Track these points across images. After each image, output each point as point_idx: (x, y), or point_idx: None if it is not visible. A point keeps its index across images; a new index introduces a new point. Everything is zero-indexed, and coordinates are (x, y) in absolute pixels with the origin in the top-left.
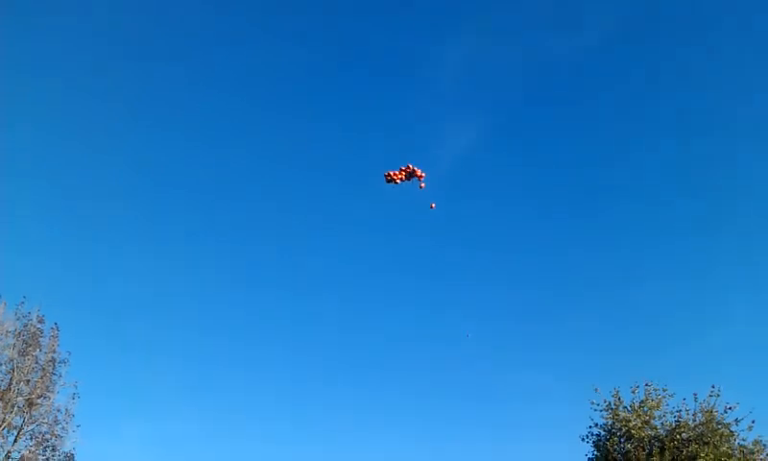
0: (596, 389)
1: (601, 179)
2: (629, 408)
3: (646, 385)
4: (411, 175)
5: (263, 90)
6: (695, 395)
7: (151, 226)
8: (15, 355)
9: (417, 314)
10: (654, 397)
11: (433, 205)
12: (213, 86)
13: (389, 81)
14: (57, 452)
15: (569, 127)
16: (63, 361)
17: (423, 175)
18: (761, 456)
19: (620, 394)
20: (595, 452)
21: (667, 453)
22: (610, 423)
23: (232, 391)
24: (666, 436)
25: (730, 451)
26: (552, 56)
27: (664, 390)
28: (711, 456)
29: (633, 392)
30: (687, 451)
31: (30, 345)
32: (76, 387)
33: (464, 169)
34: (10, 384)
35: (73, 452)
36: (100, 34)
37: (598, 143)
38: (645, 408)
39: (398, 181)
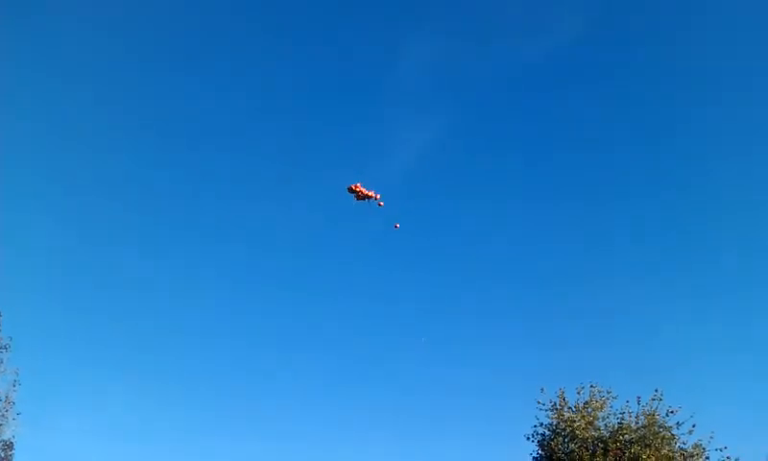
0: (542, 389)
1: (564, 178)
2: (573, 409)
3: (591, 386)
4: (366, 197)
5: (218, 83)
6: (638, 398)
7: (102, 209)
8: None
9: (365, 307)
10: (598, 398)
11: (397, 225)
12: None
13: (352, 77)
14: None
15: (533, 129)
16: (5, 347)
17: (378, 196)
18: (700, 460)
19: (565, 394)
20: (540, 452)
21: (611, 455)
22: (555, 422)
23: (182, 379)
24: (609, 437)
25: (671, 454)
26: (519, 57)
27: (608, 392)
28: (653, 458)
29: (578, 393)
30: (630, 453)
31: None
32: (17, 374)
33: (422, 167)
34: None
35: (12, 441)
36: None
37: (565, 144)
38: (589, 409)
39: (360, 194)
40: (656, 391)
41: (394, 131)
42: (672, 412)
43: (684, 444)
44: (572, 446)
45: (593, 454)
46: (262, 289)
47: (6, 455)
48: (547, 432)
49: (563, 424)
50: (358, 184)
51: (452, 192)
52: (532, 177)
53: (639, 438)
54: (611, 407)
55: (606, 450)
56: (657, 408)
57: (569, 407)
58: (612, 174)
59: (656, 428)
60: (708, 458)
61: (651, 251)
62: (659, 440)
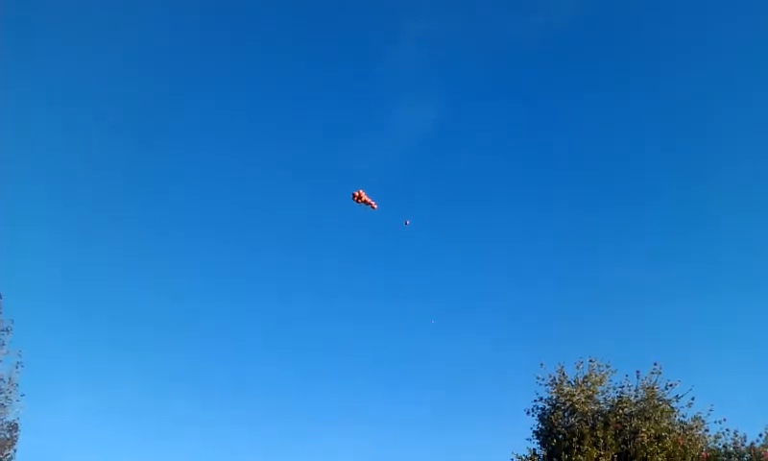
0: (541, 364)
1: (565, 162)
2: (573, 383)
3: (590, 361)
4: (366, 203)
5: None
6: (637, 372)
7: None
8: None
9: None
10: (597, 372)
11: (407, 221)
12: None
13: (343, 61)
14: (0, 422)
15: (534, 112)
16: (6, 329)
17: (376, 206)
18: (699, 432)
19: (564, 369)
20: (540, 426)
21: (611, 428)
22: (554, 397)
23: (183, 357)
24: (609, 411)
25: (670, 427)
26: (514, 35)
27: (607, 366)
28: (653, 431)
29: (577, 367)
30: (630, 426)
31: None
32: (20, 355)
33: (418, 154)
34: None
35: (17, 422)
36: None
37: (564, 129)
38: (589, 383)
39: (363, 201)
40: (654, 365)
41: (388, 117)
42: (671, 385)
43: (683, 416)
44: (572, 420)
45: (593, 428)
46: (260, 279)
47: (11, 436)
48: (547, 407)
49: (562, 399)
50: (362, 192)
51: (449, 180)
52: (530, 169)
53: (639, 411)
54: (610, 381)
55: (606, 424)
56: (656, 381)
57: (569, 382)
58: (611, 153)
59: (655, 401)
60: (707, 430)
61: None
62: (658, 413)
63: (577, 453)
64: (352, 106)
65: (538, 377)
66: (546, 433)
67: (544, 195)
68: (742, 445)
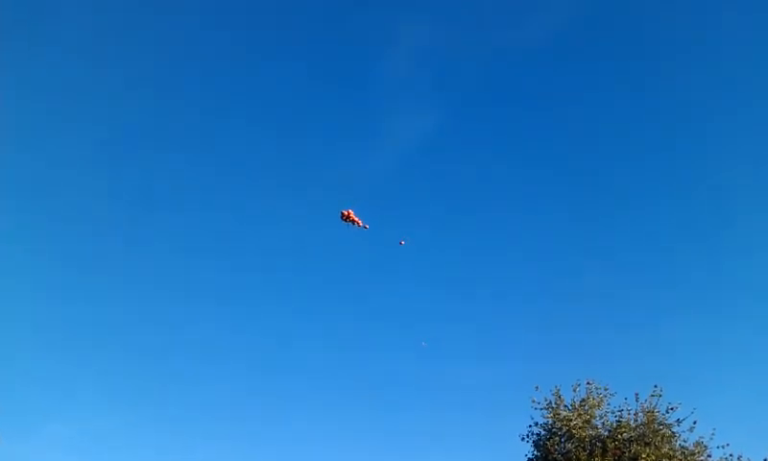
0: (537, 387)
1: (569, 167)
2: (570, 407)
3: (587, 384)
4: (354, 223)
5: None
6: (636, 394)
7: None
8: None
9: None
10: (595, 395)
11: (402, 242)
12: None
13: (337, 68)
14: None
15: (535, 118)
16: None
17: (367, 226)
18: (701, 457)
19: (561, 392)
20: (535, 452)
21: (609, 454)
22: (550, 422)
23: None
24: (608, 436)
25: (671, 453)
26: (513, 39)
27: (605, 388)
28: (653, 457)
29: (574, 390)
30: (629, 452)
31: None
32: None
33: (415, 163)
34: None
35: None
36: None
37: (564, 136)
38: (586, 407)
39: (352, 221)
40: (655, 387)
41: (384, 124)
42: (672, 409)
43: (684, 441)
44: (569, 445)
45: (591, 454)
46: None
47: None
48: (543, 432)
49: (559, 424)
50: (350, 211)
51: (447, 189)
52: (531, 171)
53: (639, 436)
54: (608, 404)
55: (604, 450)
56: (656, 405)
57: (565, 406)
58: (613, 159)
59: (655, 426)
60: (710, 456)
61: (654, 239)
62: (659, 438)
63: None
64: (346, 114)
65: (533, 401)
66: (542, 460)
67: (543, 205)
68: None
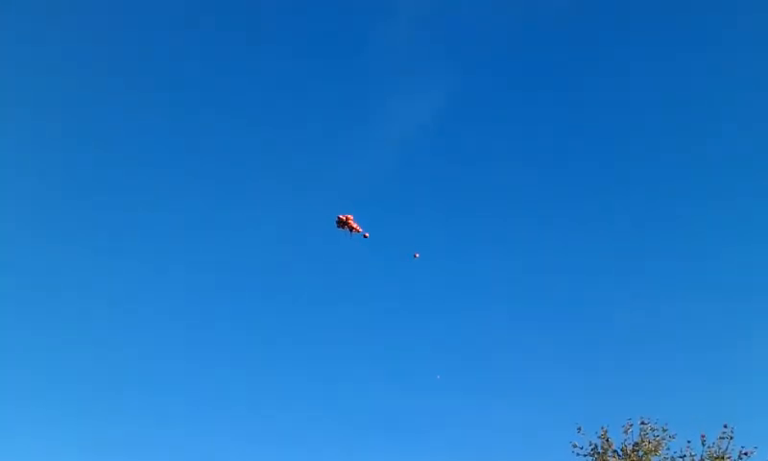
0: (579, 428)
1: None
2: (620, 452)
3: (641, 423)
4: (353, 230)
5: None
6: (703, 437)
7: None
8: None
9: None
10: (651, 438)
11: (417, 254)
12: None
13: (327, 46)
14: None
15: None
16: None
17: (367, 235)
18: None
19: (609, 434)
20: None
21: None
22: None
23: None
24: None
25: None
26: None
27: (664, 429)
28: None
29: (625, 432)
30: None
31: None
32: None
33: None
34: None
35: None
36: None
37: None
38: (640, 452)
39: (350, 228)
40: (725, 428)
41: (380, 109)
42: (746, 454)
43: None
44: None
45: None
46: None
47: None
48: None
49: None
50: (350, 217)
51: (453, 185)
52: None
53: None
54: (667, 449)
55: None
56: (726, 449)
57: (614, 451)
58: (631, 140)
59: None
60: None
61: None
62: None
63: None
64: (338, 97)
65: (574, 445)
66: None
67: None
68: None
